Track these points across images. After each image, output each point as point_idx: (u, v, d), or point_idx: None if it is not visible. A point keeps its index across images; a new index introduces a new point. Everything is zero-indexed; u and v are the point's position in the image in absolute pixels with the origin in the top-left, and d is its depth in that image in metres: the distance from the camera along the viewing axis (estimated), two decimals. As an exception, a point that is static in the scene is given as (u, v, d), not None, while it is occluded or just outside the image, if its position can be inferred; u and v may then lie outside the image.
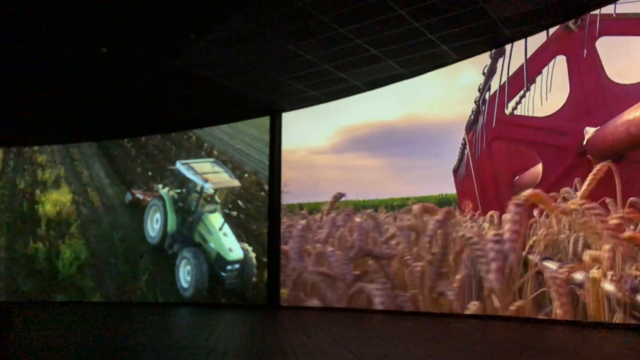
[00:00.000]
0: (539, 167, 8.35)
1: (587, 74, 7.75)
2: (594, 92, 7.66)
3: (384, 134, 10.76)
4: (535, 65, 8.36)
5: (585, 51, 7.70)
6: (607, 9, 7.40)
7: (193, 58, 9.43)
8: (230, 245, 11.38)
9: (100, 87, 10.83)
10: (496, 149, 8.89)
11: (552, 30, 8.14)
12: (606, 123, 7.32)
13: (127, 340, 6.08)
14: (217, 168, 12.01)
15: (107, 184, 13.14)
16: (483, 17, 7.83)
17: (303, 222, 11.11)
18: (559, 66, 8.08)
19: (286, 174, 12.13)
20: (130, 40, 8.77)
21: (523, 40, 8.41)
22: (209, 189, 11.73)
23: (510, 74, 8.61)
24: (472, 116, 9.27)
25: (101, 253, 12.87)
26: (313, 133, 11.95)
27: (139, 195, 12.59)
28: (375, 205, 10.48)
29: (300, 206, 11.64)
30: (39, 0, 7.35)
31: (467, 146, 9.31)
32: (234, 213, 11.70)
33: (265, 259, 11.64)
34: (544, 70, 8.33)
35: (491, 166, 8.95)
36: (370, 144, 11.11)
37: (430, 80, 9.98)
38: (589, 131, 7.66)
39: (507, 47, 8.69)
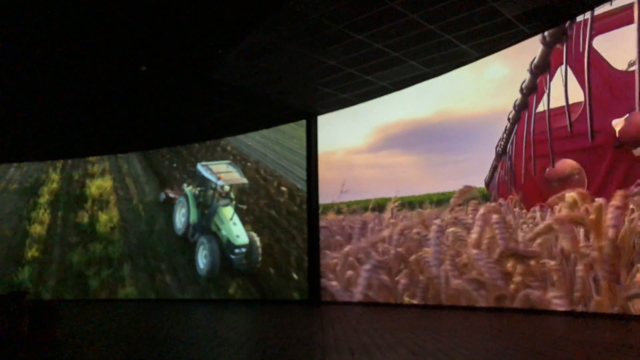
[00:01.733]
0: (567, 160, 8.30)
1: (595, 71, 7.69)
2: (606, 86, 7.59)
3: (417, 131, 10.96)
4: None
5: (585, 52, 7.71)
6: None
7: (226, 71, 10.06)
8: (238, 232, 13.16)
9: (143, 103, 11.71)
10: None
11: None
12: (632, 111, 7.24)
13: (188, 333, 6.71)
14: (231, 168, 13.75)
15: (141, 174, 15.26)
16: (496, 15, 7.93)
17: (437, 221, 9.91)
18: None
19: (326, 174, 12.58)
20: (166, 59, 9.51)
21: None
22: (223, 185, 13.49)
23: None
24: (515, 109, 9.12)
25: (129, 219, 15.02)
26: (349, 134, 12.32)
27: (171, 195, 14.52)
28: (420, 201, 10.68)
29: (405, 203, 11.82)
30: (88, 31, 8.21)
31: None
32: (244, 206, 13.38)
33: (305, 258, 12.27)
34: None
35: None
36: (404, 141, 11.34)
37: (457, 75, 10.08)
38: (619, 122, 7.57)
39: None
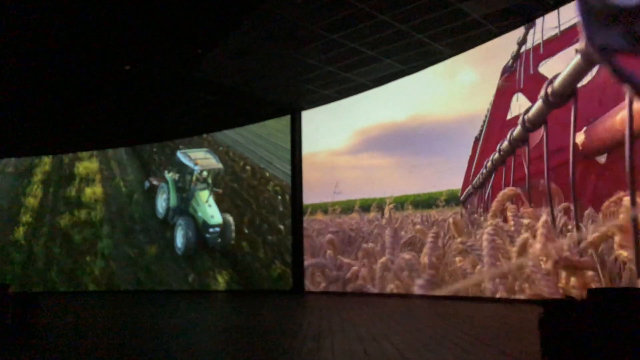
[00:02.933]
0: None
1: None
2: (611, 85, 7.12)
3: (394, 134, 11.29)
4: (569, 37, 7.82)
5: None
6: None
7: (208, 69, 10.35)
8: (212, 213, 14.07)
9: (130, 100, 12.03)
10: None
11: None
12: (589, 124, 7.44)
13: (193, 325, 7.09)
14: (208, 155, 14.54)
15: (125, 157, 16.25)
16: (463, 16, 8.21)
17: (492, 221, 8.77)
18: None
19: (311, 175, 12.93)
20: (149, 58, 9.80)
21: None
22: (199, 171, 14.35)
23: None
24: (511, 61, 8.91)
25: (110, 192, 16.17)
26: (331, 136, 12.68)
27: (155, 182, 15.36)
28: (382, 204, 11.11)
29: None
30: (75, 33, 8.51)
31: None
32: (220, 190, 14.19)
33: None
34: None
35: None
36: (383, 144, 11.70)
37: (431, 80, 10.41)
38: (579, 136, 7.59)
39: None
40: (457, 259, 9.30)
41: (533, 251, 7.96)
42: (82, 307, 10.60)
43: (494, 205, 8.82)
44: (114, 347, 4.87)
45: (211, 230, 13.96)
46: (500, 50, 9.01)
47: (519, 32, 8.58)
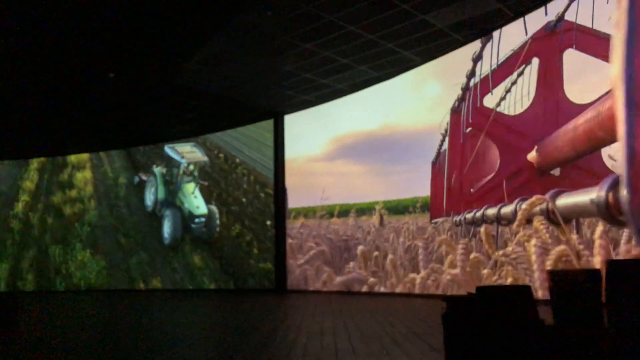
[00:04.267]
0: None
1: (549, 87, 8.10)
2: (551, 106, 8.01)
3: (366, 142, 11.82)
4: (511, 64, 8.53)
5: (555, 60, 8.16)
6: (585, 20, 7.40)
7: (189, 77, 10.73)
8: (198, 204, 14.63)
9: (116, 105, 12.42)
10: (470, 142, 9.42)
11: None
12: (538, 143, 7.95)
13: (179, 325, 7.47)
14: (194, 149, 15.03)
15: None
16: (427, 26, 8.59)
17: (536, 242, 7.83)
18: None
19: (288, 180, 13.36)
20: (132, 67, 10.17)
21: (513, 27, 8.47)
22: (185, 164, 14.92)
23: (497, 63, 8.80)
24: (457, 102, 9.66)
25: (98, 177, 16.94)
26: (310, 143, 13.15)
27: (144, 177, 15.89)
28: (363, 209, 11.52)
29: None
30: (66, 47, 8.90)
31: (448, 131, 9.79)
32: (206, 183, 14.69)
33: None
34: (527, 70, 8.73)
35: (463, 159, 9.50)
36: (356, 152, 12.20)
37: (401, 91, 10.91)
38: (531, 155, 8.14)
39: (495, 34, 8.79)
40: (486, 271, 8.59)
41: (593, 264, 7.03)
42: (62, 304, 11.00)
43: (521, 214, 8.11)
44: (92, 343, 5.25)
45: (197, 220, 14.51)
46: (461, 62, 9.42)
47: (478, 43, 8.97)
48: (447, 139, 9.81)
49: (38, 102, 12.03)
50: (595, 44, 7.11)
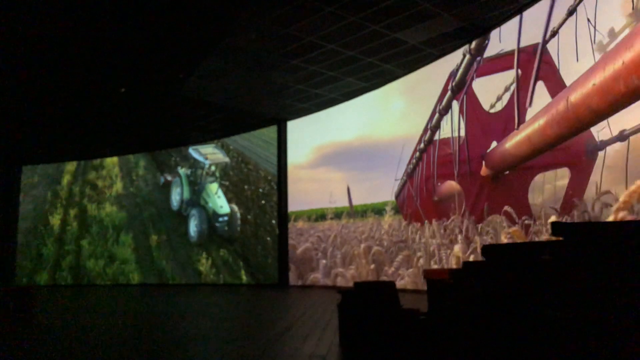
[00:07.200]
0: (451, 182, 9.64)
1: (471, 110, 9.10)
2: (478, 123, 9.03)
3: (344, 152, 12.93)
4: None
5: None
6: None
7: (193, 89, 11.72)
8: (221, 204, 15.63)
9: (132, 115, 13.57)
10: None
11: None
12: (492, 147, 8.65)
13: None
14: (216, 150, 16.07)
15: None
16: (401, 43, 9.31)
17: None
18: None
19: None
20: (140, 81, 11.23)
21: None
22: (209, 165, 15.98)
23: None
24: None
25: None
26: (295, 152, 14.27)
27: (169, 178, 17.01)
28: (340, 213, 12.47)
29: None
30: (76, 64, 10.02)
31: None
32: (227, 183, 15.71)
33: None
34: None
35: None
36: (335, 160, 13.25)
37: (371, 106, 11.93)
38: (484, 156, 8.88)
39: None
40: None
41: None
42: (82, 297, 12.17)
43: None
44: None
45: (220, 219, 15.51)
46: (425, 80, 10.17)
47: (457, 55, 9.63)
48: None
49: (67, 112, 13.27)
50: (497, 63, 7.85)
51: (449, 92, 9.84)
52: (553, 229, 2.60)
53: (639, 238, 2.44)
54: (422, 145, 10.41)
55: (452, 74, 9.67)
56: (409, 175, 10.75)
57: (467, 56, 9.27)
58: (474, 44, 9.14)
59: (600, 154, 6.45)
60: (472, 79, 9.08)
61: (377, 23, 8.54)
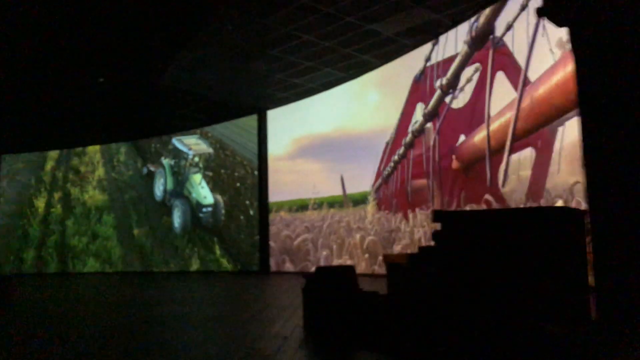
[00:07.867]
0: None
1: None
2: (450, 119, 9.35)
3: (322, 143, 13.14)
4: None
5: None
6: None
7: (172, 79, 11.81)
8: (205, 194, 15.64)
9: (112, 104, 13.61)
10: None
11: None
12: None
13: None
14: (200, 141, 16.03)
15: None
16: (375, 35, 9.49)
17: None
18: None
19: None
20: (119, 71, 11.29)
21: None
22: (192, 155, 15.96)
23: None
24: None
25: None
26: (274, 144, 14.45)
27: (152, 168, 16.96)
28: (320, 202, 12.77)
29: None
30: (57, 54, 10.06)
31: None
32: (210, 173, 15.72)
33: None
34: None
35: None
36: (313, 151, 13.46)
37: (348, 99, 12.14)
38: (454, 151, 9.23)
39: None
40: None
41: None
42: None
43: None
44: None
45: (204, 210, 15.54)
46: (402, 71, 10.39)
47: (428, 47, 9.84)
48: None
49: (48, 100, 13.26)
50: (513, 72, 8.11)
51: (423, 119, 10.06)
52: (434, 216, 2.95)
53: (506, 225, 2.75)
54: (402, 148, 10.63)
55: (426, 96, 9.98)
56: (389, 174, 11.00)
57: (439, 92, 9.59)
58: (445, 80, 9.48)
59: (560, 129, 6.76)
60: (447, 110, 9.29)
61: (352, 14, 8.71)
